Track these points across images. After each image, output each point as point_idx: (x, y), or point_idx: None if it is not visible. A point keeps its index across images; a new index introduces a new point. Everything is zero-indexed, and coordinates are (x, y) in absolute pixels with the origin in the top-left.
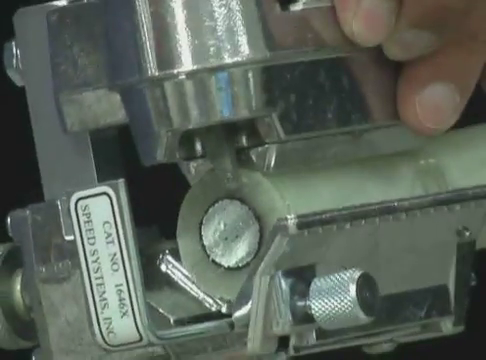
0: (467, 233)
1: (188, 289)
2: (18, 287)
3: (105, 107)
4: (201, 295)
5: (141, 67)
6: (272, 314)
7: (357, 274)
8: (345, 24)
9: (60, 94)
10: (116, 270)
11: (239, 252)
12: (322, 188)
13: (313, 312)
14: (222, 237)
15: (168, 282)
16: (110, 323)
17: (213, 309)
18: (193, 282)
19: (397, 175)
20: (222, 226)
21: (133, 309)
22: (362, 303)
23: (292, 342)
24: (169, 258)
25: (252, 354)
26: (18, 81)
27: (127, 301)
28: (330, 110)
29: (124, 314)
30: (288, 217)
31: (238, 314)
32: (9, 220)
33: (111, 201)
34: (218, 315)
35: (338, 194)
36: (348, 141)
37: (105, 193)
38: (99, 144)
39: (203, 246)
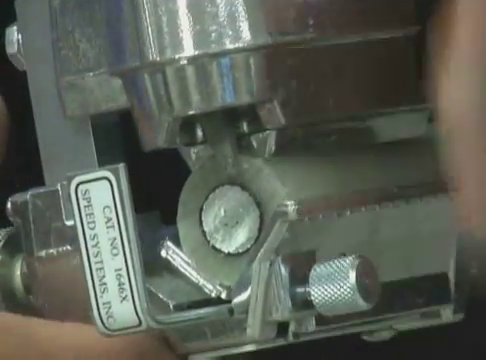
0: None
1: (188, 275)
2: (18, 271)
3: (106, 92)
4: (201, 281)
5: (142, 52)
6: (271, 300)
7: (357, 261)
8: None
9: (61, 79)
10: (116, 255)
11: (239, 238)
12: (323, 175)
13: (313, 298)
14: (222, 223)
15: (168, 268)
16: (109, 307)
17: (213, 295)
18: (193, 268)
19: (399, 162)
20: (222, 212)
21: (132, 294)
22: (362, 289)
23: (291, 328)
24: (169, 244)
25: (251, 340)
26: (20, 66)
27: (126, 286)
28: (331, 96)
29: (123, 299)
30: (288, 203)
31: (237, 300)
32: (9, 204)
33: (111, 185)
34: (218, 301)
35: (339, 181)
36: (349, 127)
37: (105, 177)
38: (100, 129)
39: (203, 232)
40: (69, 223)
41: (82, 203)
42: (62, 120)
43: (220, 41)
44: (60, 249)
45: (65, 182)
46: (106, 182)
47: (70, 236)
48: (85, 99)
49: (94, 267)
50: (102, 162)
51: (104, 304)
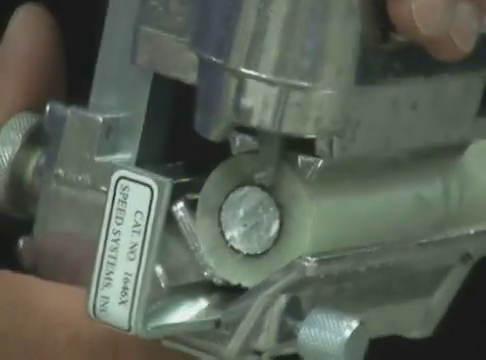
0: (471, 260)
1: (191, 246)
2: (34, 162)
3: (180, 61)
4: (200, 258)
5: (230, 55)
6: (260, 329)
7: (355, 323)
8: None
9: (141, 26)
10: (132, 259)
11: (258, 239)
12: (344, 180)
13: (299, 339)
14: (241, 223)
15: (176, 232)
16: (106, 302)
17: (205, 275)
18: (197, 240)
19: (418, 169)
20: (242, 212)
21: (132, 302)
22: (350, 352)
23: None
24: (183, 206)
25: (227, 357)
26: None
27: (130, 291)
28: (387, 132)
29: (122, 302)
30: (308, 258)
31: (227, 317)
32: (48, 110)
33: (152, 196)
34: (211, 286)
35: (361, 188)
36: (390, 160)
37: (149, 186)
38: (158, 89)
39: (222, 232)
40: (98, 160)
41: (118, 196)
42: (128, 63)
43: (303, 76)
44: (80, 177)
45: (107, 117)
46: (148, 190)
47: (94, 169)
48: (158, 57)
49: (106, 260)
50: (147, 119)
51: (102, 297)
